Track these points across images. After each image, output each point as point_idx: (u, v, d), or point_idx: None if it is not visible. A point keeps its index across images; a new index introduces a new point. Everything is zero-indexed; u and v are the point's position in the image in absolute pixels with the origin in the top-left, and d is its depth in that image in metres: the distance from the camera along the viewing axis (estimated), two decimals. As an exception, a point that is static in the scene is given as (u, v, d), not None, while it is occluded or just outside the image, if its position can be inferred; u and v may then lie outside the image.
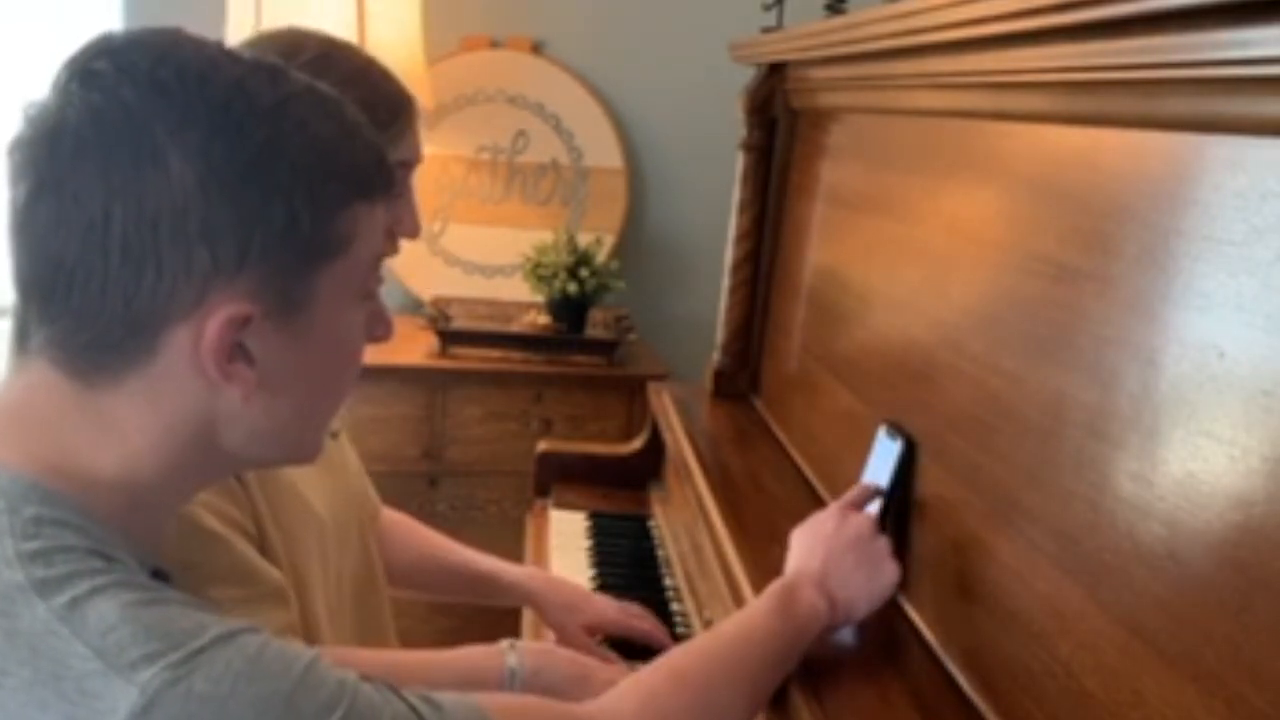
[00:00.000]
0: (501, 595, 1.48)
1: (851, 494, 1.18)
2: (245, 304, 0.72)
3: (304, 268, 0.74)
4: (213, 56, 0.73)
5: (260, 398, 0.76)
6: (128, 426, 0.74)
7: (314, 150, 0.73)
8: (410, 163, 1.17)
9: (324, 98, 0.76)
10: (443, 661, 1.17)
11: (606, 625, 1.43)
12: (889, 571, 1.13)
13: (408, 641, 1.43)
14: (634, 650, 1.40)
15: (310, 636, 1.16)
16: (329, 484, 1.24)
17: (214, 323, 0.72)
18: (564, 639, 1.41)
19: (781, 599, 1.07)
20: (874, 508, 1.18)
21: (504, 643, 1.18)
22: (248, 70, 0.73)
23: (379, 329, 0.86)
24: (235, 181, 0.70)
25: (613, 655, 1.38)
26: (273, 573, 1.06)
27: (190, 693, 0.64)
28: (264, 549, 1.08)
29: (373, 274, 0.81)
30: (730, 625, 1.06)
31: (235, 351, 0.74)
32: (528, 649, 1.17)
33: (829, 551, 1.12)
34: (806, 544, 1.15)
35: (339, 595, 1.23)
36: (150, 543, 0.78)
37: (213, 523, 1.02)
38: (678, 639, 1.43)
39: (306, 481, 1.18)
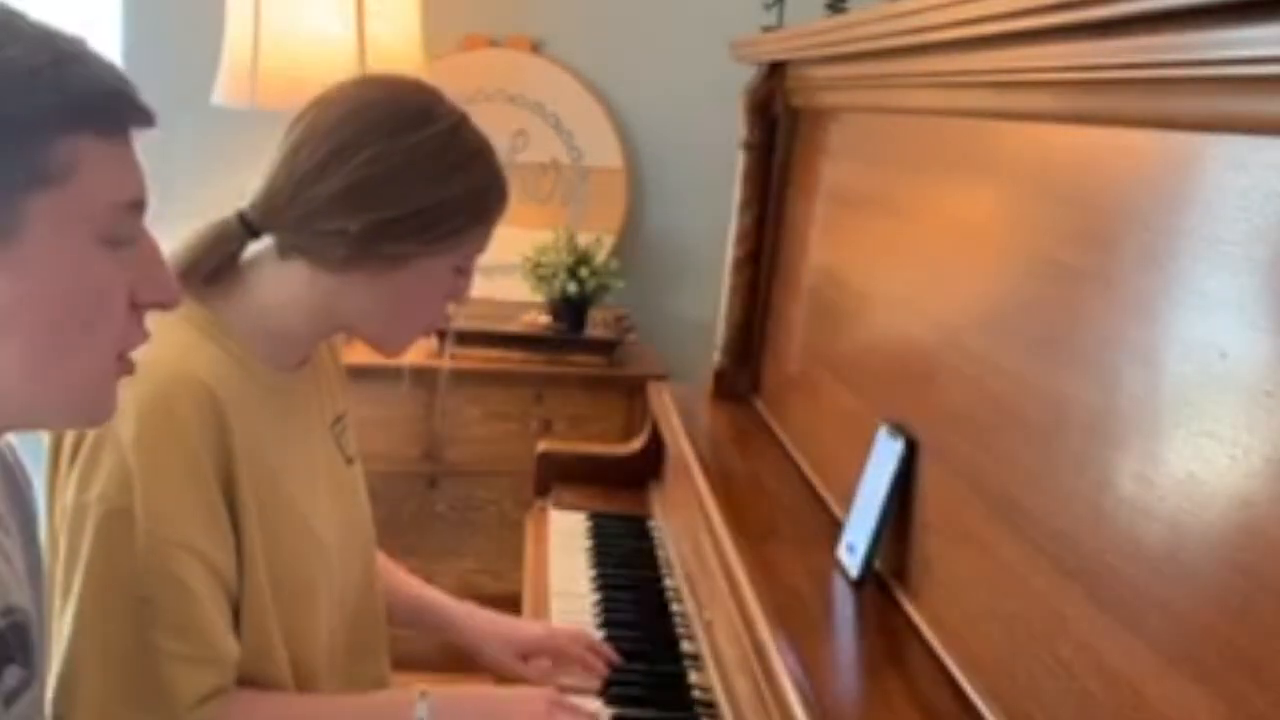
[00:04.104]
0: (433, 623, 1.45)
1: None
2: None
3: (9, 192, 0.71)
4: None
5: None
6: None
7: (15, 69, 0.70)
8: (479, 252, 1.22)
9: (52, 35, 0.73)
10: (353, 710, 1.20)
11: (532, 647, 1.40)
12: None
13: (400, 655, 1.42)
14: (637, 653, 1.40)
15: (310, 650, 1.19)
16: (339, 510, 1.25)
17: None
18: (502, 673, 1.40)
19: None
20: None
21: (415, 690, 1.18)
22: None
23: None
24: None
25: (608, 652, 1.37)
26: (223, 639, 1.08)
27: None
28: (241, 566, 1.10)
29: (119, 219, 0.76)
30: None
31: None
32: (440, 695, 1.17)
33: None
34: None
35: (340, 616, 1.25)
36: None
37: (189, 574, 1.05)
38: (677, 639, 1.44)
39: (313, 507, 1.19)
